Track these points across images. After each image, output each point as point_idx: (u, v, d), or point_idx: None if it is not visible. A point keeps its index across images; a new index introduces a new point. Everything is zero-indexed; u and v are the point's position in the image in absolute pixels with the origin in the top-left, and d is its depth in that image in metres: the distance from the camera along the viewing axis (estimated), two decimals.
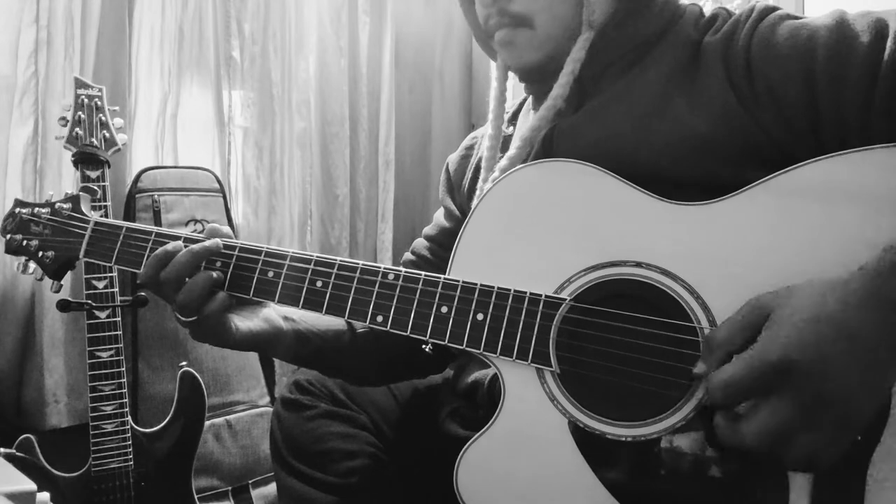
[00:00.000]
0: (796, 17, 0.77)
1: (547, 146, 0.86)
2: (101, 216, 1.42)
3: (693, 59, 0.80)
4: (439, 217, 1.12)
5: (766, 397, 0.58)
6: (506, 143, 0.97)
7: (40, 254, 0.98)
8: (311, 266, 0.82)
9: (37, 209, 0.99)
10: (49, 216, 0.98)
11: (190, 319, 0.83)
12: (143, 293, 1.62)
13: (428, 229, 1.12)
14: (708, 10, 0.87)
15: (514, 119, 1.03)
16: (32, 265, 1.00)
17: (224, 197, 1.96)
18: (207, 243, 0.85)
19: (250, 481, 1.87)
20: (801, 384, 0.56)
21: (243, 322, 0.86)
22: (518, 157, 0.86)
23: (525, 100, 1.04)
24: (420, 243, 1.11)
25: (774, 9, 0.79)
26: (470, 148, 1.11)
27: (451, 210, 1.09)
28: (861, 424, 0.59)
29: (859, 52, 0.69)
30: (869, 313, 0.56)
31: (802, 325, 0.57)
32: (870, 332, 0.56)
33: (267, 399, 1.95)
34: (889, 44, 0.68)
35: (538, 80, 0.91)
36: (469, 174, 1.06)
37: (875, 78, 0.68)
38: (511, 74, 0.95)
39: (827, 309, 0.57)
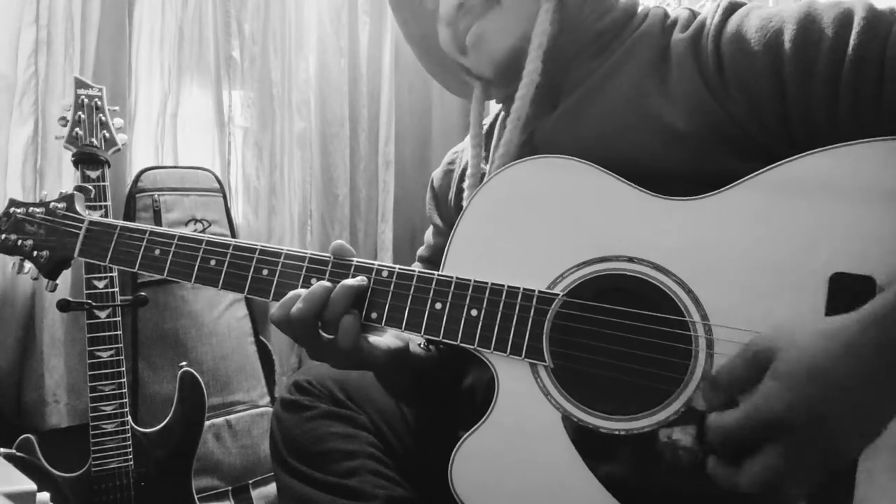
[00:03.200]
0: (764, 8, 0.77)
1: (529, 151, 0.86)
2: (101, 216, 1.42)
3: (663, 58, 0.81)
4: (429, 236, 1.14)
5: (762, 447, 0.59)
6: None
7: (35, 253, 0.98)
8: (306, 264, 0.82)
9: (31, 209, 0.99)
10: (43, 216, 0.98)
11: (329, 337, 0.79)
12: (143, 293, 1.63)
13: (422, 251, 1.14)
14: (673, 13, 0.87)
15: (489, 137, 1.04)
16: (28, 265, 1.00)
17: (224, 197, 1.96)
18: (359, 282, 0.80)
19: (250, 481, 1.87)
20: (797, 440, 0.58)
21: (377, 339, 0.84)
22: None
23: (497, 115, 1.05)
24: (417, 268, 1.11)
25: (740, 4, 0.79)
26: (452, 162, 1.12)
27: (439, 226, 1.11)
28: (849, 462, 0.61)
29: (825, 46, 0.69)
30: (870, 364, 0.57)
31: (803, 383, 0.57)
32: (869, 385, 0.57)
33: (267, 399, 1.95)
34: (853, 36, 0.68)
35: (511, 76, 0.90)
36: (454, 187, 1.07)
37: (840, 72, 0.68)
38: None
39: (828, 363, 0.57)
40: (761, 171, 0.68)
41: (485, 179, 0.81)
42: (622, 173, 0.75)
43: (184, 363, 1.62)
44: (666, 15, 0.87)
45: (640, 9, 0.90)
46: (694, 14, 0.84)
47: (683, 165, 0.74)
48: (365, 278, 0.80)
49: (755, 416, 0.59)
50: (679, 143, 0.75)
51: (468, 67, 0.96)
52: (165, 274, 0.88)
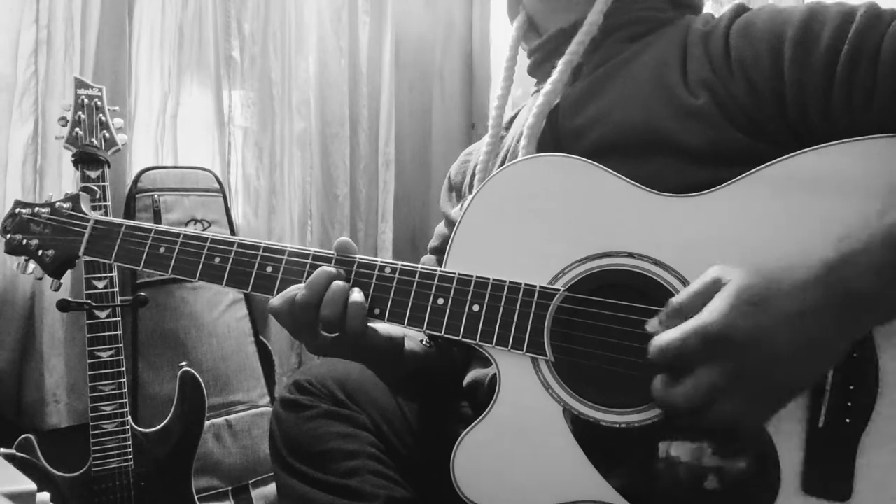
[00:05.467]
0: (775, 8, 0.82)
1: (551, 120, 0.90)
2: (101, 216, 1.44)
3: (683, 46, 0.85)
4: (441, 228, 1.15)
5: (699, 365, 0.61)
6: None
7: (40, 252, 0.99)
8: (309, 261, 0.83)
9: (37, 209, 1.00)
10: (49, 215, 1.00)
11: (333, 335, 0.80)
12: (143, 293, 1.63)
13: (433, 242, 1.15)
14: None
15: (509, 126, 1.06)
16: (32, 265, 1.00)
17: (224, 197, 1.96)
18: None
19: (250, 481, 1.87)
20: (735, 359, 0.60)
21: (379, 326, 0.85)
22: (537, 125, 0.90)
23: (519, 110, 1.08)
24: (429, 259, 1.12)
25: (750, 8, 0.85)
26: (469, 153, 1.14)
27: (452, 217, 1.11)
28: (793, 394, 0.63)
29: (825, 35, 0.73)
30: (817, 302, 0.59)
31: (746, 306, 0.60)
32: (814, 319, 0.60)
33: (267, 399, 1.95)
34: (853, 29, 0.71)
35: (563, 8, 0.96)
36: (468, 177, 1.09)
37: (837, 60, 0.71)
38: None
39: (777, 292, 0.60)
40: (759, 167, 0.69)
41: (487, 178, 0.81)
42: (638, 138, 0.79)
43: (184, 363, 1.62)
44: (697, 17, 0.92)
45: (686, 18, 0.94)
46: (714, 17, 0.89)
47: (695, 137, 0.77)
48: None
49: (694, 329, 0.61)
50: (691, 116, 0.79)
51: None
52: (170, 272, 0.89)
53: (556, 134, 0.90)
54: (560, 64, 0.90)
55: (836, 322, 0.60)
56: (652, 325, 0.66)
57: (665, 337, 0.63)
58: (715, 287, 0.63)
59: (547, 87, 0.90)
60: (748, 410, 0.62)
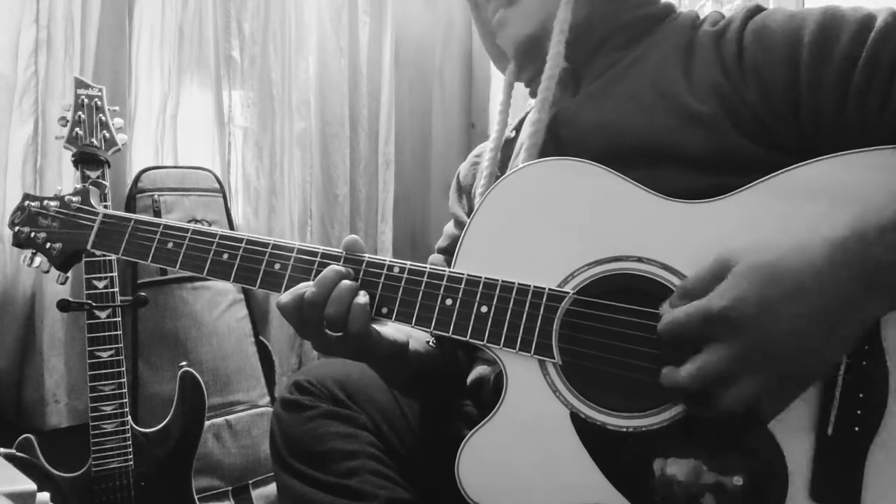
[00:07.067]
0: (791, 10, 0.81)
1: (553, 131, 0.89)
2: None
3: (688, 48, 0.84)
4: (449, 228, 1.14)
5: (706, 344, 0.62)
6: (509, 145, 1.02)
7: (48, 245, 0.99)
8: (318, 259, 0.83)
9: (46, 202, 1.00)
10: (58, 209, 0.99)
11: (337, 335, 0.80)
12: (143, 293, 1.63)
13: (441, 242, 1.14)
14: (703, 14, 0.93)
15: (518, 127, 1.06)
16: (39, 259, 1.00)
17: (224, 197, 1.96)
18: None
19: (250, 481, 1.87)
20: (740, 334, 0.60)
21: (383, 328, 0.85)
22: (532, 146, 0.89)
23: (529, 111, 1.07)
24: (436, 258, 1.12)
25: (765, 8, 0.83)
26: (479, 155, 1.14)
27: (461, 218, 1.11)
28: (808, 377, 0.63)
29: (843, 42, 0.72)
30: (827, 276, 0.59)
31: (754, 281, 0.61)
32: (826, 295, 0.59)
33: (267, 399, 1.95)
34: (871, 37, 0.71)
35: (529, 58, 0.96)
36: (478, 179, 1.07)
37: (854, 68, 0.71)
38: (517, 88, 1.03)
39: (784, 269, 0.60)
40: (771, 175, 0.69)
41: (500, 178, 0.81)
42: (640, 150, 0.78)
43: (184, 363, 1.62)
44: (698, 17, 0.91)
45: (677, 10, 0.94)
46: (723, 16, 0.88)
47: (699, 144, 0.77)
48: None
49: (695, 311, 0.62)
50: (695, 123, 0.78)
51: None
52: (178, 266, 0.89)
53: (558, 144, 0.89)
54: (540, 92, 0.89)
55: (846, 297, 0.59)
56: (663, 308, 0.67)
57: (669, 315, 0.64)
58: (722, 269, 0.63)
59: (529, 129, 0.90)
60: (761, 393, 0.61)
